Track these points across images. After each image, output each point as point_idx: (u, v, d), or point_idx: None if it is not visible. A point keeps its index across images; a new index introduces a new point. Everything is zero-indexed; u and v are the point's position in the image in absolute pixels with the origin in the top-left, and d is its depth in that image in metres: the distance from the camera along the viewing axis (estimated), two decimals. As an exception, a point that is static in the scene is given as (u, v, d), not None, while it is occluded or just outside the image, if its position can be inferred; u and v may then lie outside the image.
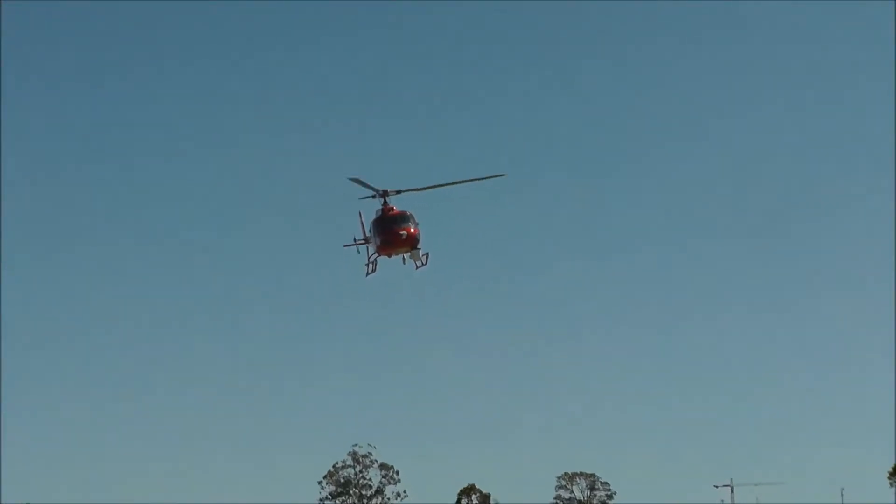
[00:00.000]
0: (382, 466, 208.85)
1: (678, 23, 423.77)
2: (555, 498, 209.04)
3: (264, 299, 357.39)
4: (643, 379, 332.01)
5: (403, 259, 70.28)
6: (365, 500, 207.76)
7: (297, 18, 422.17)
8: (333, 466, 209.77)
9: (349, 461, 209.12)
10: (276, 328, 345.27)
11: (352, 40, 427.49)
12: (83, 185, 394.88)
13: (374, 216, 72.45)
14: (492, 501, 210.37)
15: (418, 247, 70.15)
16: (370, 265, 70.99)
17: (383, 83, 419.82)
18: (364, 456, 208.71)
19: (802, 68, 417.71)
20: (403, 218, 69.88)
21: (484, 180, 66.77)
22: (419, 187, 68.66)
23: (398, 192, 69.90)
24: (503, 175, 67.18)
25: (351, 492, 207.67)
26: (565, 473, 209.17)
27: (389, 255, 70.97)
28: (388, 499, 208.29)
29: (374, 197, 69.45)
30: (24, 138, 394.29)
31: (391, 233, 69.06)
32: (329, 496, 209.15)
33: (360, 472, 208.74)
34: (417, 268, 70.72)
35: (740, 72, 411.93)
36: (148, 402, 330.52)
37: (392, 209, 70.29)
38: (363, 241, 70.91)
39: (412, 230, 69.62)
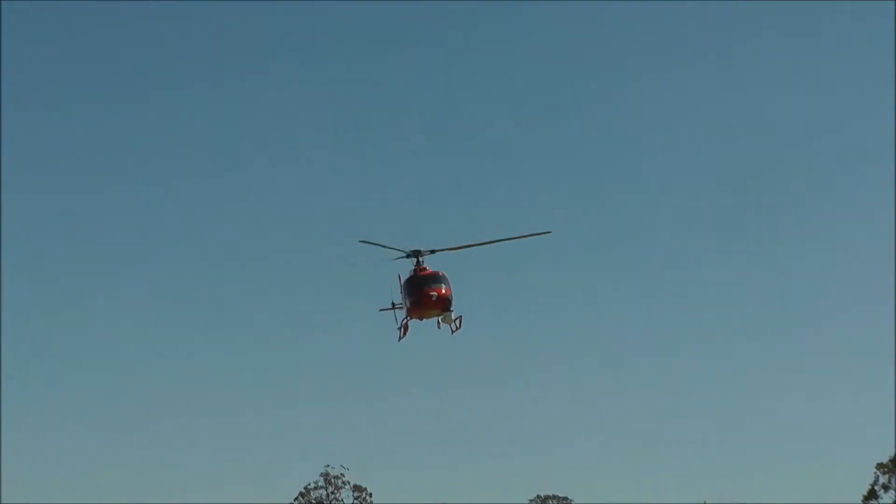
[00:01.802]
0: (355, 488, 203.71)
1: (675, 23, 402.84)
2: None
3: (241, 323, 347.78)
4: (617, 401, 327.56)
5: (438, 323, 64.49)
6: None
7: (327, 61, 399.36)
8: (305, 488, 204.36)
9: (321, 482, 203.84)
10: (251, 349, 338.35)
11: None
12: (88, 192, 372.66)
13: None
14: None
15: (451, 309, 64.14)
16: (402, 329, 65.09)
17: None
18: (336, 477, 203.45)
19: (801, 68, 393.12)
20: (435, 278, 64.15)
21: (528, 238, 60.97)
22: (455, 246, 62.76)
23: (432, 251, 64.01)
24: (548, 233, 60.23)
25: None
26: (538, 496, 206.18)
27: (421, 318, 65.08)
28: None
29: (406, 257, 63.51)
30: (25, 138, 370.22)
31: (421, 294, 63.36)
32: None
33: (332, 493, 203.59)
34: (453, 332, 64.95)
35: (738, 71, 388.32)
36: (122, 424, 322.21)
37: (425, 269, 64.35)
38: (400, 306, 65.17)
39: (443, 291, 63.78)
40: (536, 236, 62.07)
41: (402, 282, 66.76)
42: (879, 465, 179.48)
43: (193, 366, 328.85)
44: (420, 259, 66.61)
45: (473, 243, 63.34)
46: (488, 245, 63.84)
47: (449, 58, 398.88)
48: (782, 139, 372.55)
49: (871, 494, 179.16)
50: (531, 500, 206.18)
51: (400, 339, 66.34)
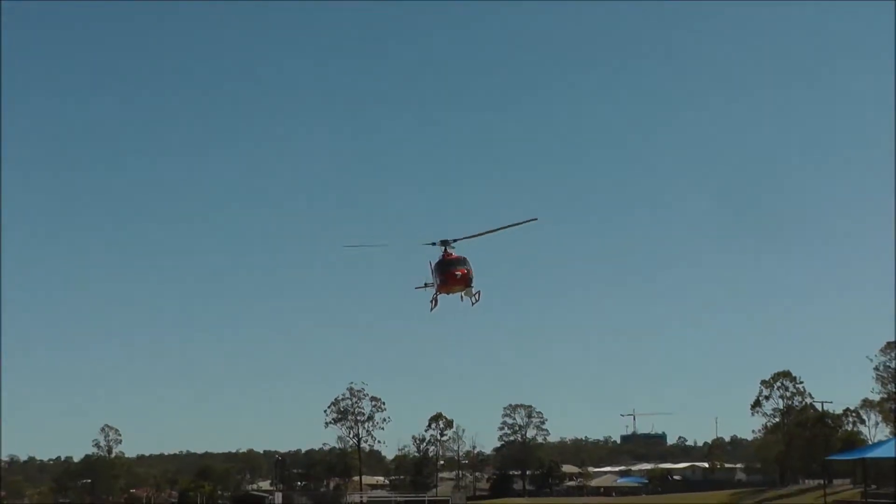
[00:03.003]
0: (373, 398, 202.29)
1: (675, 24, 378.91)
2: (501, 423, 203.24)
3: (287, 279, 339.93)
4: (570, 332, 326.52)
5: (461, 297, 61.64)
6: (360, 424, 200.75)
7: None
8: (335, 399, 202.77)
9: (347, 395, 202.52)
10: (296, 296, 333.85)
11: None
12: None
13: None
14: (455, 426, 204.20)
15: (471, 285, 61.45)
16: (433, 301, 62.37)
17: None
18: (358, 390, 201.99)
19: (802, 68, 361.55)
20: (459, 261, 62.48)
21: (518, 225, 55.65)
22: (469, 235, 60.09)
23: (455, 240, 61.21)
24: (535, 219, 55.84)
25: (349, 417, 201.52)
26: (509, 405, 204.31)
27: (448, 293, 62.22)
28: (377, 423, 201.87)
29: (434, 245, 60.63)
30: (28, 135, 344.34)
31: (448, 273, 61.35)
32: (333, 420, 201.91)
33: (356, 402, 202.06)
34: (473, 304, 62.17)
35: (739, 71, 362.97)
36: (178, 349, 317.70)
37: (451, 254, 61.83)
38: (432, 285, 62.38)
39: (465, 271, 61.63)
40: (526, 223, 58.31)
41: (433, 265, 63.67)
42: (763, 381, 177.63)
43: (252, 311, 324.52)
44: (447, 247, 63.52)
45: (474, 234, 58.34)
46: (487, 235, 60.92)
47: (450, 57, 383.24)
48: (782, 138, 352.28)
49: (757, 404, 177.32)
50: (504, 408, 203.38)
51: (431, 309, 63.43)
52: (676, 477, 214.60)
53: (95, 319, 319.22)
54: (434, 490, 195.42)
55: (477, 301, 65.16)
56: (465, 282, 63.97)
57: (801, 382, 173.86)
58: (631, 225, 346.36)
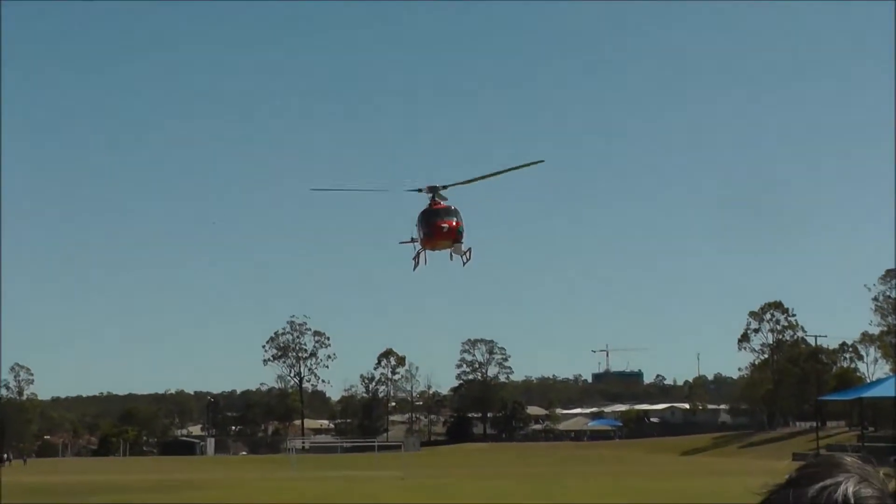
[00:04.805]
0: (316, 333, 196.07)
1: (676, 22, 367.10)
2: (459, 361, 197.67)
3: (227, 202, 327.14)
4: (535, 258, 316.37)
5: (451, 255, 52.05)
6: (301, 361, 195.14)
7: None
8: (274, 334, 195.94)
9: (287, 329, 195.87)
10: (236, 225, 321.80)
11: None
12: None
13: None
14: (407, 363, 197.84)
15: (461, 241, 51.65)
16: (416, 259, 52.57)
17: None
18: (300, 324, 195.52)
19: (801, 68, 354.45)
20: (447, 211, 52.00)
21: (524, 167, 49.76)
22: (464, 181, 51.09)
23: (444, 186, 51.47)
24: (542, 161, 50.45)
25: (289, 354, 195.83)
26: (468, 340, 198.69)
27: (433, 249, 52.50)
28: (321, 360, 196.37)
29: (420, 191, 51.00)
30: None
31: (433, 225, 51.36)
32: (271, 358, 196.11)
33: (297, 338, 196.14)
34: (464, 264, 52.35)
35: (740, 71, 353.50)
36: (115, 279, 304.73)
37: (439, 203, 51.76)
38: (417, 240, 52.88)
39: (454, 223, 51.59)
40: (532, 165, 51.46)
41: (418, 215, 53.64)
42: (751, 313, 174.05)
43: (186, 235, 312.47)
44: (434, 195, 53.53)
45: (477, 177, 52.20)
46: (491, 178, 52.36)
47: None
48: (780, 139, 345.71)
49: (744, 338, 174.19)
50: (463, 343, 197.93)
51: (414, 268, 53.45)
52: (654, 419, 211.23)
53: (4, 247, 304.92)
54: (385, 434, 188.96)
55: (468, 261, 55.65)
56: (453, 236, 54.69)
57: (794, 315, 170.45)
58: (608, 150, 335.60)
